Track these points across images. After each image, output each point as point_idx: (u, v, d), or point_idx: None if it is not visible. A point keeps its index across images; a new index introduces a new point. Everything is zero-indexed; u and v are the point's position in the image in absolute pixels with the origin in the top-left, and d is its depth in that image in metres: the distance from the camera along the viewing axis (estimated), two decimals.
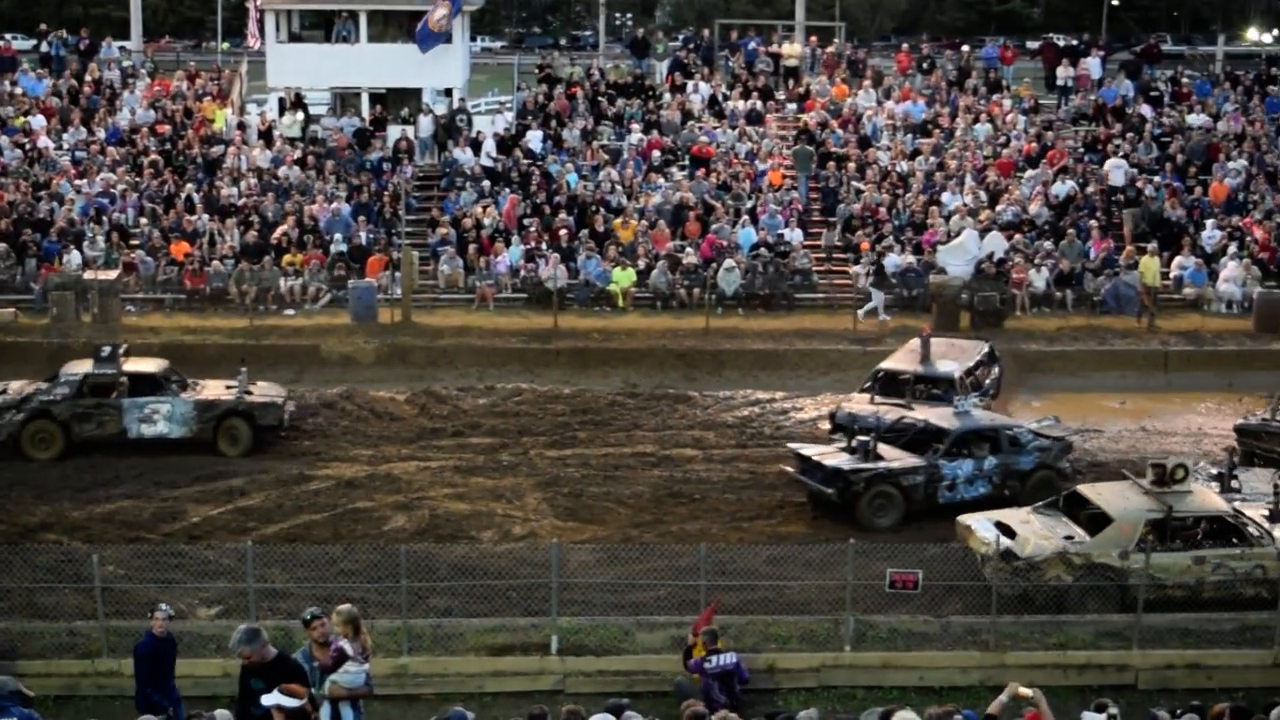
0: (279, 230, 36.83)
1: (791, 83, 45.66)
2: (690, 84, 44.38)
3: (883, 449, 24.30)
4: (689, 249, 36.96)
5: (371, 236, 37.08)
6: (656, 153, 40.77)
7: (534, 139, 41.21)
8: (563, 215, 37.97)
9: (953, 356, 28.42)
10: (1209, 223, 38.43)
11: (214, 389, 27.49)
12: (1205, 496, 21.98)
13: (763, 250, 36.85)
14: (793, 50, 46.79)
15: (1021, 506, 22.62)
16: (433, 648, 19.44)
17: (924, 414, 25.47)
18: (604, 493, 25.22)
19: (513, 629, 19.84)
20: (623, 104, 43.40)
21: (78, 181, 38.44)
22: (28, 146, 39.95)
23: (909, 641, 19.84)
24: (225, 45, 60.65)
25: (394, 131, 41.77)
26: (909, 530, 23.14)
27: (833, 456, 24.26)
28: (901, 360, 28.47)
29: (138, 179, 38.82)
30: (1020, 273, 36.04)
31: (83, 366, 27.25)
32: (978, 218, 37.68)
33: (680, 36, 63.92)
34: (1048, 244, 37.26)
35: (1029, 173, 40.48)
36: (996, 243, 36.64)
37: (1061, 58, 47.45)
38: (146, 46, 52.80)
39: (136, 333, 32.86)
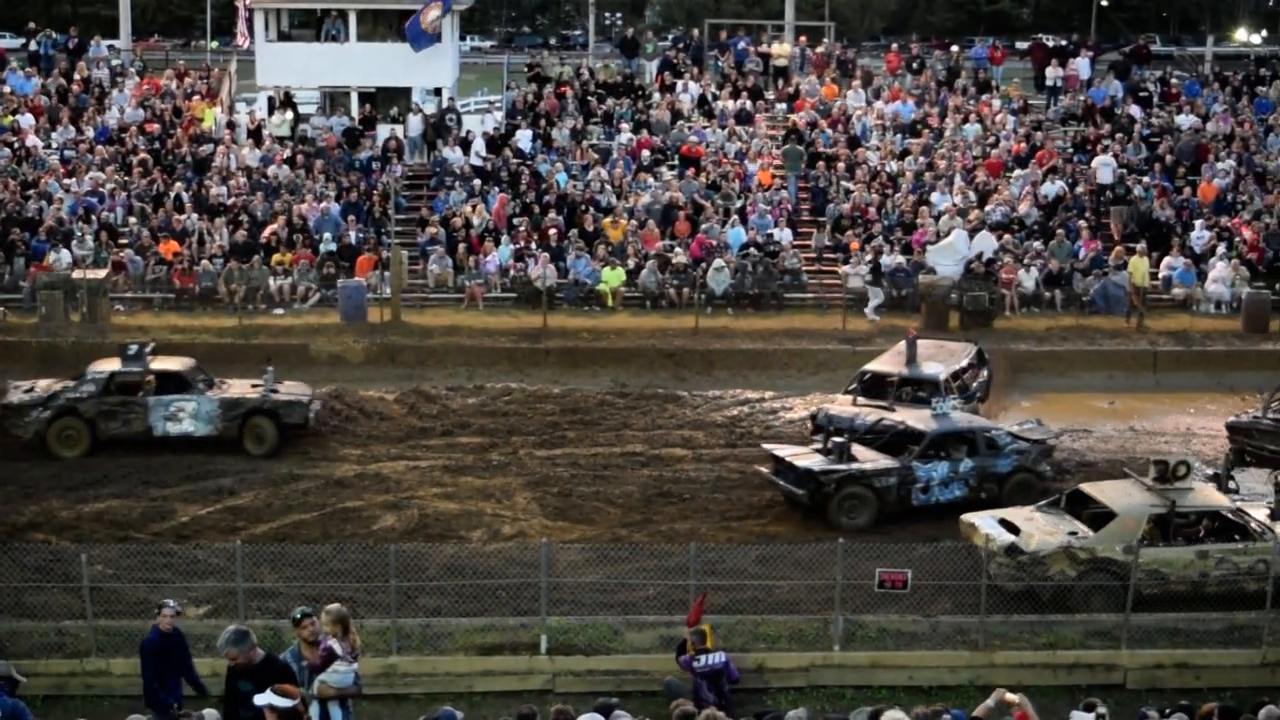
0: (268, 229, 36.80)
1: (781, 82, 45.67)
2: (680, 84, 44.38)
3: (857, 450, 24.26)
4: (678, 249, 36.96)
5: (361, 236, 37.05)
6: (646, 152, 40.77)
7: (523, 138, 41.19)
8: (552, 215, 37.95)
9: (940, 359, 28.36)
10: (1198, 223, 38.48)
11: (240, 387, 27.55)
12: (1207, 493, 22.15)
13: (752, 250, 36.86)
14: (782, 50, 46.79)
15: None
16: (422, 647, 19.44)
17: (902, 416, 25.43)
18: (593, 492, 25.23)
19: (502, 628, 19.84)
20: (612, 103, 43.39)
21: (66, 180, 38.36)
22: (16, 145, 39.80)
23: (898, 641, 19.86)
24: (214, 44, 60.53)
25: (383, 131, 41.73)
26: (901, 531, 23.16)
27: (805, 458, 24.23)
28: (888, 362, 28.43)
29: (126, 178, 38.75)
30: (1009, 273, 36.08)
31: (110, 364, 27.32)
32: (967, 218, 37.71)
33: (670, 36, 63.91)
34: (1037, 244, 37.31)
35: (1018, 173, 40.50)
36: (986, 243, 36.70)
37: (1051, 58, 47.54)
38: (135, 45, 52.65)
39: (125, 332, 32.76)
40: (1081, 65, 46.40)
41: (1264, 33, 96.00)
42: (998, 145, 41.74)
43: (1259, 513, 21.77)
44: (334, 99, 43.70)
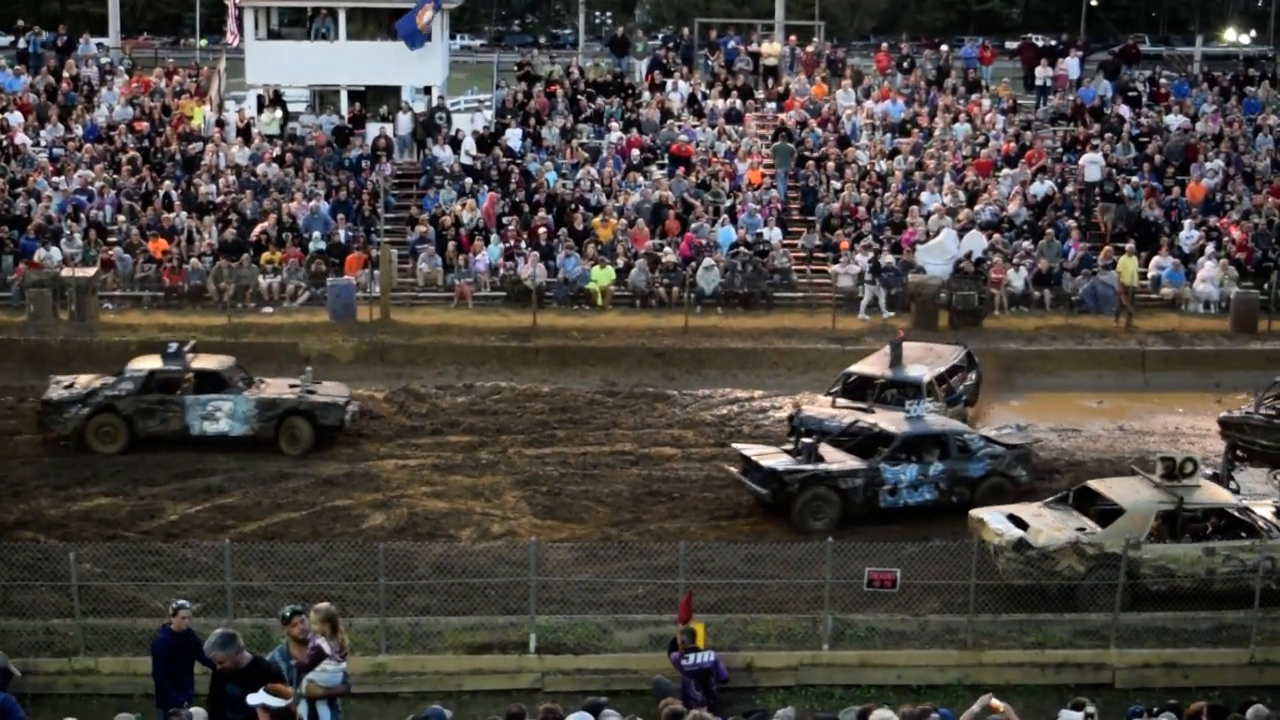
0: (258, 228, 36.75)
1: (771, 82, 45.69)
2: (669, 83, 44.38)
3: (826, 451, 24.18)
4: (668, 248, 36.95)
5: (350, 234, 37.02)
6: (636, 151, 40.75)
7: (513, 137, 41.17)
8: (542, 213, 37.93)
9: (927, 361, 28.30)
10: (1187, 223, 38.53)
11: (277, 387, 27.57)
12: (1214, 491, 22.19)
13: (742, 249, 36.87)
14: (772, 49, 46.82)
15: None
16: (411, 646, 19.43)
17: (876, 418, 25.35)
18: (583, 491, 25.24)
19: (491, 627, 19.84)
20: (602, 102, 43.39)
21: (55, 178, 38.28)
22: (4, 143, 39.73)
23: (887, 640, 19.89)
24: (204, 42, 60.42)
25: (373, 129, 41.67)
26: (891, 532, 23.19)
27: (772, 457, 24.20)
28: (873, 364, 28.38)
29: (115, 176, 38.65)
30: (999, 272, 36.12)
31: (149, 362, 27.40)
32: (956, 217, 37.74)
33: (660, 35, 63.92)
34: (1026, 243, 37.34)
35: (1007, 172, 40.53)
36: (975, 242, 36.73)
37: (1040, 58, 47.59)
38: (125, 43, 52.55)
39: (114, 330, 32.82)
40: (1071, 65, 46.49)
41: (1253, 33, 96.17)
42: (987, 145, 41.80)
43: (1266, 510, 21.85)
44: (323, 97, 43.62)
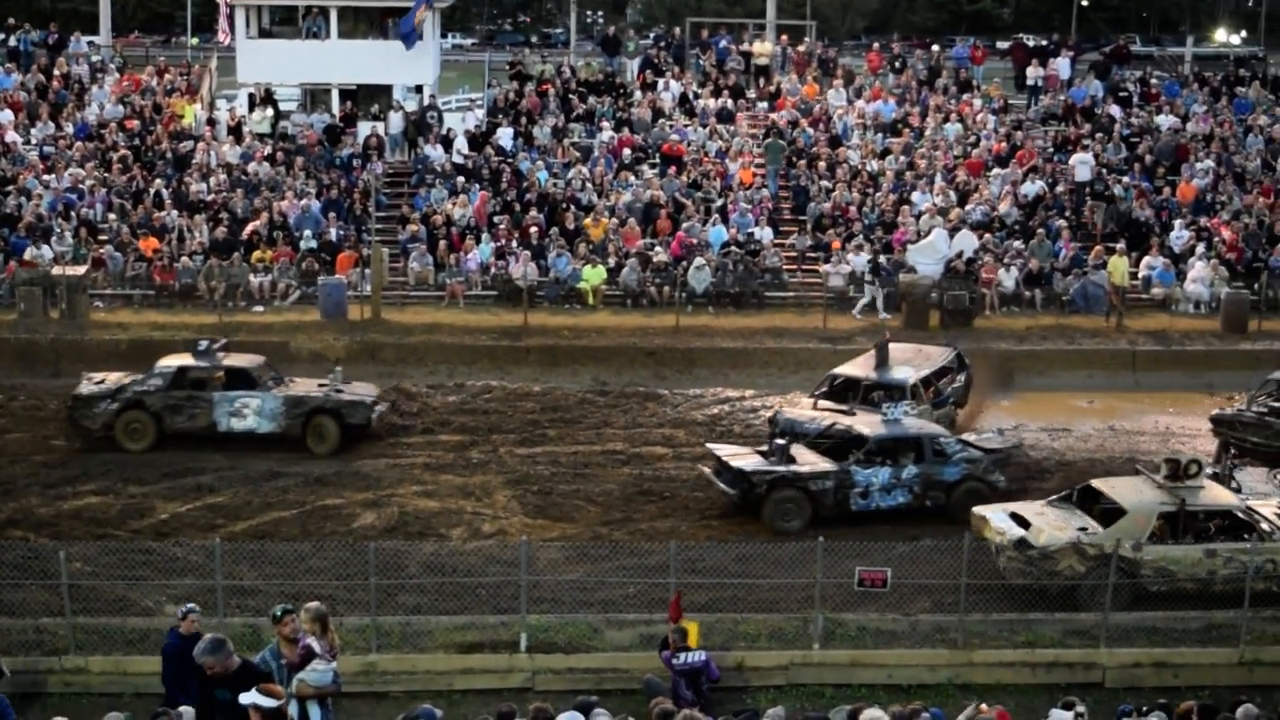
0: (249, 227, 36.71)
1: (762, 81, 45.68)
2: (661, 82, 44.36)
3: (798, 453, 24.12)
4: (659, 247, 36.96)
5: (341, 233, 36.98)
6: (627, 150, 40.75)
7: (505, 136, 41.15)
8: (533, 213, 37.91)
9: (915, 363, 28.19)
10: (1177, 223, 38.59)
11: (305, 386, 27.64)
12: (1218, 492, 22.17)
13: (733, 248, 36.88)
14: (764, 49, 46.80)
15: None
16: (401, 645, 19.41)
17: (853, 420, 25.27)
18: (574, 490, 25.23)
19: (482, 626, 19.83)
20: (594, 102, 43.37)
21: (46, 176, 38.22)
22: None
23: (877, 639, 19.90)
24: (195, 41, 60.44)
25: (364, 128, 41.64)
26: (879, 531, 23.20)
27: (743, 458, 24.18)
28: (860, 365, 28.29)
29: (106, 174, 38.61)
30: (989, 272, 36.16)
31: (179, 359, 27.48)
32: (947, 217, 37.78)
33: (651, 34, 63.77)
34: (1017, 243, 37.39)
35: (998, 172, 40.55)
36: (966, 242, 36.76)
37: (1031, 58, 47.67)
38: (115, 41, 52.42)
39: (105, 329, 32.77)
40: (1062, 65, 46.52)
41: (1243, 33, 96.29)
42: (978, 145, 41.83)
43: (1269, 511, 21.84)
44: (315, 96, 43.61)
